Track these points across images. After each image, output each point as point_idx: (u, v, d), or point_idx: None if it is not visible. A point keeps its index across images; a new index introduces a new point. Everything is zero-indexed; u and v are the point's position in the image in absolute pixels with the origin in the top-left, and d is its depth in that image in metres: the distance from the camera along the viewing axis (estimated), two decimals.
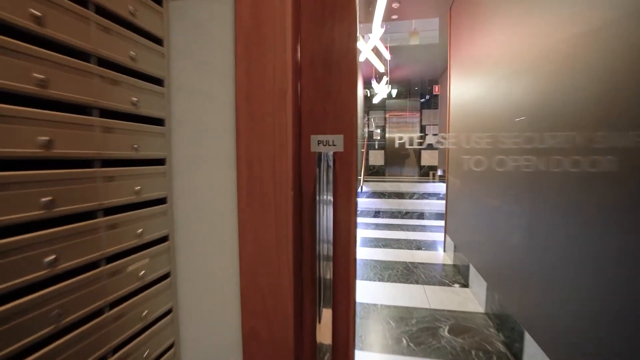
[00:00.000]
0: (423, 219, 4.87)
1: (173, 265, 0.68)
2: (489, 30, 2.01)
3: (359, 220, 4.78)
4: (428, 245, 3.47)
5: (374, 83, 4.76)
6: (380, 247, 3.40)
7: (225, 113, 0.66)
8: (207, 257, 0.68)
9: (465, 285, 2.41)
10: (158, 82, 0.64)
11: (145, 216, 0.60)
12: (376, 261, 2.95)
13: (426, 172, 7.71)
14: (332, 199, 0.65)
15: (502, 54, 1.79)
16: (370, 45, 3.12)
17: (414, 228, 4.30)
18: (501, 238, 1.78)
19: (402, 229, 4.25)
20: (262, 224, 0.65)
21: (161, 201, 0.65)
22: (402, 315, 1.95)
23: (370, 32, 3.05)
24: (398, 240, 3.69)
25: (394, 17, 3.37)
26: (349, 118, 0.65)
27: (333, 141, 0.65)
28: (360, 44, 2.97)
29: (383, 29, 3.10)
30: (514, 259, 1.60)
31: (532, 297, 1.41)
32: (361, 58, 3.41)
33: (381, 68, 3.55)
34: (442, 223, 4.51)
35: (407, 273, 2.65)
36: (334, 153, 0.66)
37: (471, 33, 2.41)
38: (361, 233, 4.03)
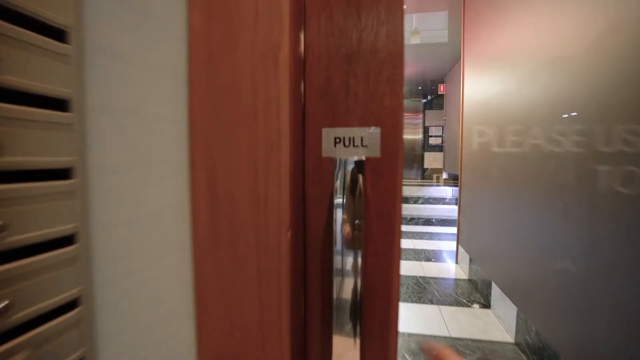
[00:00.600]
0: (430, 225, 4.58)
1: None
2: (522, 16, 1.74)
3: None
4: (438, 256, 3.19)
5: None
6: None
7: (173, 90, 0.38)
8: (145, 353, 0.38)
9: (486, 305, 2.12)
10: (57, 35, 0.34)
11: (22, 274, 0.30)
12: None
13: (429, 175, 7.43)
14: (362, 242, 0.37)
15: (541, 43, 1.51)
16: None
17: (420, 236, 4.01)
18: (536, 253, 1.50)
19: (408, 237, 3.96)
20: (236, 293, 0.37)
21: (63, 242, 0.35)
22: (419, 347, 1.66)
23: None
24: (405, 250, 3.41)
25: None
26: (394, 100, 0.37)
27: (363, 139, 0.37)
28: None
29: None
30: (556, 279, 1.32)
31: (582, 327, 1.13)
32: None
33: None
34: (449, 230, 4.24)
35: (419, 290, 2.36)
36: (366, 160, 0.37)
37: (493, 23, 2.14)
38: None
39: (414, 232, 4.18)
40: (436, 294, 2.31)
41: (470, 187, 2.67)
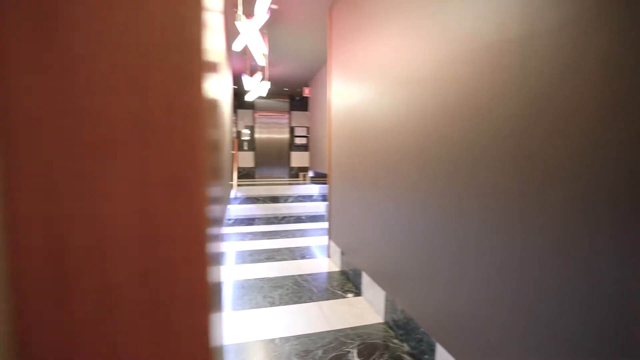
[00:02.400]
0: (300, 222, 4.77)
1: None
2: (382, 35, 1.96)
3: (233, 230, 4.29)
4: (311, 253, 3.34)
5: (245, 79, 4.33)
6: (263, 261, 3.05)
7: None
8: None
9: (358, 293, 2.33)
10: None
11: None
12: (262, 280, 2.58)
13: (296, 174, 7.77)
14: None
15: (399, 60, 1.73)
16: (254, 29, 2.71)
17: (293, 234, 4.12)
18: (398, 242, 1.73)
19: (282, 236, 4.00)
20: None
21: None
22: (307, 347, 1.67)
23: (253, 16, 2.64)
24: (280, 250, 3.42)
25: (274, 6, 3.10)
26: None
27: None
28: (242, 24, 2.53)
29: (267, 16, 2.75)
30: (414, 263, 1.56)
31: (437, 301, 1.37)
32: (239, 46, 2.96)
33: (262, 61, 3.18)
34: (319, 225, 4.52)
35: (298, 289, 2.39)
36: None
37: (358, 39, 2.35)
38: (238, 246, 3.56)
39: (286, 231, 4.26)
40: (314, 290, 2.39)
41: (339, 185, 2.89)
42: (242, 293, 2.33)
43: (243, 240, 3.82)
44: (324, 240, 3.78)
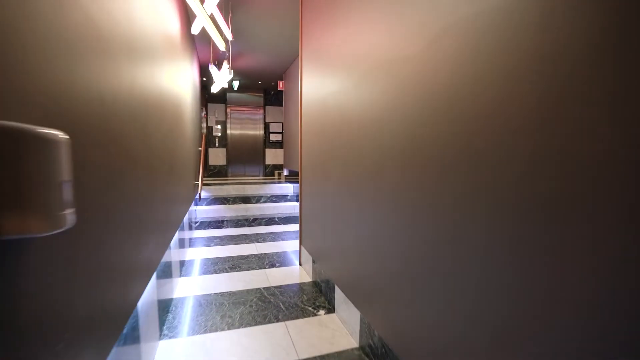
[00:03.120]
0: (273, 224, 4.46)
1: None
2: (357, 21, 1.68)
3: (199, 235, 3.92)
4: (282, 260, 3.05)
5: (212, 69, 3.96)
6: (227, 271, 2.73)
7: None
8: None
9: (331, 309, 2.07)
10: None
11: None
12: (223, 295, 2.27)
13: (271, 172, 7.43)
14: None
15: (378, 45, 1.47)
16: (208, 9, 2.36)
17: (264, 238, 3.81)
18: (366, 249, 1.48)
19: (251, 240, 3.69)
20: None
21: None
22: None
23: None
24: (247, 257, 3.11)
25: None
26: None
27: None
28: (194, 3, 2.18)
29: None
30: (392, 280, 1.31)
31: (421, 329, 1.13)
32: (197, 28, 2.60)
33: (221, 45, 2.84)
34: (293, 228, 4.24)
35: (263, 306, 2.10)
36: None
37: (329, 25, 2.07)
38: (202, 253, 3.22)
39: (257, 235, 3.94)
40: (282, 306, 2.11)
41: (310, 186, 2.61)
42: (198, 312, 2.01)
43: (208, 246, 3.48)
44: (297, 244, 3.50)
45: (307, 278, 2.60)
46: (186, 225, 3.20)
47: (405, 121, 1.24)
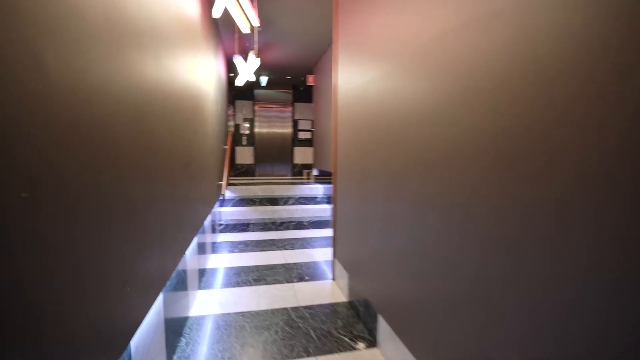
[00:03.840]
0: (302, 228, 4.14)
1: None
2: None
3: (223, 239, 3.68)
4: (313, 272, 2.71)
5: (237, 61, 3.69)
6: (250, 284, 2.43)
7: None
8: None
9: (372, 342, 1.69)
10: None
11: None
12: (245, 315, 1.96)
13: (299, 171, 7.14)
14: None
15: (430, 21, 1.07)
16: None
17: (292, 244, 3.49)
18: (420, 270, 1.10)
19: (279, 247, 3.38)
20: None
21: None
22: None
23: None
24: (274, 267, 2.80)
25: None
26: None
27: None
28: None
29: None
30: (453, 306, 0.92)
31: None
32: (218, 9, 2.30)
33: (245, 27, 2.54)
34: (323, 233, 3.89)
35: (290, 333, 1.77)
36: None
37: (363, 7, 1.69)
38: (225, 260, 2.95)
39: (284, 240, 3.63)
40: (312, 334, 1.76)
41: (347, 188, 2.25)
42: (215, 338, 1.71)
43: (232, 252, 3.21)
44: (328, 253, 3.15)
45: (342, 297, 2.24)
46: (208, 229, 2.95)
47: (472, 111, 0.84)
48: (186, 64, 1.84)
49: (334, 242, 2.55)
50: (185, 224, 1.80)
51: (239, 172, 6.87)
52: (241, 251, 3.24)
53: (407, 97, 1.33)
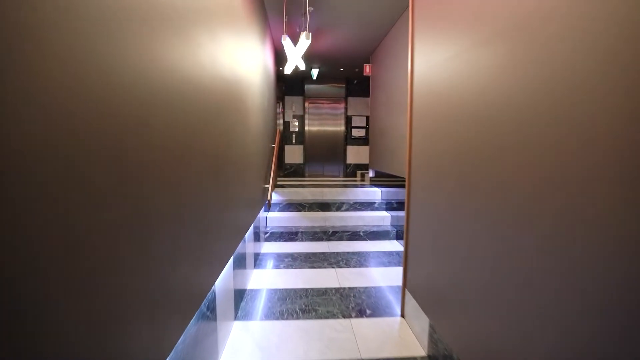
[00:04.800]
0: (357, 239, 3.57)
1: None
2: None
3: (268, 249, 3.25)
4: (375, 301, 2.13)
5: (285, 42, 3.24)
6: (297, 317, 1.93)
7: None
8: None
9: None
10: None
11: None
12: None
13: (353, 172, 6.57)
14: None
15: None
16: None
17: (346, 260, 2.94)
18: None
19: (331, 263, 2.86)
20: None
21: None
22: None
23: None
24: (326, 292, 2.27)
25: None
26: None
27: None
28: None
29: None
30: None
31: None
32: None
33: None
34: (382, 246, 3.28)
35: None
36: None
37: None
38: (269, 279, 2.50)
39: (337, 255, 3.10)
40: None
41: (426, 197, 1.64)
42: None
43: (278, 267, 2.76)
44: (393, 274, 2.54)
45: (418, 348, 1.64)
46: (251, 238, 2.53)
47: None
48: (222, 49, 1.39)
49: (405, 266, 1.95)
50: (220, 242, 1.35)
51: (287, 172, 6.51)
52: (287, 266, 2.77)
53: (521, 93, 0.71)
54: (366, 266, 2.80)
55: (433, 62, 1.56)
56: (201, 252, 1.17)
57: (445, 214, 1.43)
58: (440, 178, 1.48)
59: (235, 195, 1.77)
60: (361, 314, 1.98)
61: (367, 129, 6.48)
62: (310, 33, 3.16)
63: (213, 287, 1.38)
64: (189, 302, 1.04)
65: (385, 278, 2.53)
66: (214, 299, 1.40)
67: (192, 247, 1.07)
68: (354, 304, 2.10)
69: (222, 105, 1.44)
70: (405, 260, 1.96)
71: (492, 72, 1.08)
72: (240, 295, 2.06)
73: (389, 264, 2.86)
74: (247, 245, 2.38)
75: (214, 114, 1.30)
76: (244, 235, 2.15)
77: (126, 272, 0.66)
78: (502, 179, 1.02)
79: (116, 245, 0.63)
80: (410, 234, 1.90)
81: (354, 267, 2.79)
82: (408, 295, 1.89)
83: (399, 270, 2.70)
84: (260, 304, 2.09)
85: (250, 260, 2.48)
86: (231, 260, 1.75)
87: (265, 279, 2.49)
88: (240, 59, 1.88)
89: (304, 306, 2.06)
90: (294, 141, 6.48)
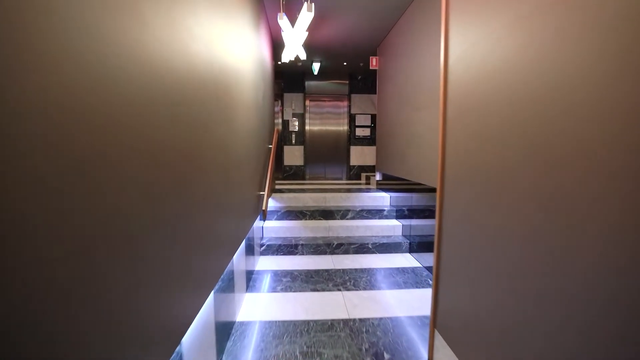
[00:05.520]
0: (364, 252, 3.16)
1: None
2: None
3: (263, 265, 2.83)
4: (394, 341, 1.72)
5: (282, 23, 2.83)
6: None
7: None
8: None
9: None
10: None
11: None
12: None
13: (357, 174, 6.15)
14: None
15: None
16: None
17: (355, 280, 2.53)
18: None
19: (337, 284, 2.44)
20: None
21: None
22: None
23: None
24: (333, 327, 1.86)
25: None
26: None
27: None
28: None
29: None
30: None
31: None
32: None
33: None
34: (394, 261, 2.85)
35: None
36: None
37: None
38: (263, 307, 2.09)
39: (344, 273, 2.68)
40: None
41: (467, 212, 1.23)
42: None
43: (274, 290, 2.34)
44: (411, 299, 2.12)
45: None
46: (242, 254, 2.12)
47: None
48: (194, 18, 0.97)
49: (435, 300, 1.54)
50: (190, 273, 0.93)
51: (287, 174, 6.10)
52: (286, 289, 2.35)
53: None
54: (378, 288, 2.39)
55: (482, 35, 1.15)
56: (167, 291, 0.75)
57: (505, 238, 1.01)
58: (497, 189, 1.06)
59: (215, 210, 1.36)
60: (376, 357, 1.57)
61: (372, 127, 6.07)
62: (313, 4, 2.72)
63: (202, 320, 0.96)
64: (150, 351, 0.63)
65: (403, 305, 2.11)
66: (189, 343, 0.99)
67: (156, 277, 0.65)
68: (368, 344, 1.68)
69: (190, 95, 1.03)
70: (435, 292, 1.55)
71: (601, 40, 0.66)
72: (225, 332, 1.64)
73: (405, 284, 2.45)
74: (238, 263, 1.98)
75: (168, 105, 0.88)
76: (232, 256, 1.74)
77: None
78: (592, 187, 0.61)
79: None
80: (442, 259, 1.49)
81: (364, 288, 2.37)
82: (438, 337, 1.48)
83: (418, 293, 2.29)
84: (251, 346, 1.67)
85: (241, 282, 2.07)
86: (212, 301, 1.34)
87: (259, 307, 2.08)
88: (224, 40, 1.46)
89: (305, 348, 1.65)
90: (293, 141, 6.07)
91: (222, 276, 1.52)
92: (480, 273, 1.16)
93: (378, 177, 4.47)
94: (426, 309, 2.05)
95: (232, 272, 1.81)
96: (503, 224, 1.02)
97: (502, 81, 1.03)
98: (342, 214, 3.66)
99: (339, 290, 2.34)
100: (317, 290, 2.33)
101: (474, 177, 1.20)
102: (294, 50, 3.25)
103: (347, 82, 6.05)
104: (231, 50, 1.64)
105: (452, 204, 1.40)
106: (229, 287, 1.73)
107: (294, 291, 2.32)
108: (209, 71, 1.24)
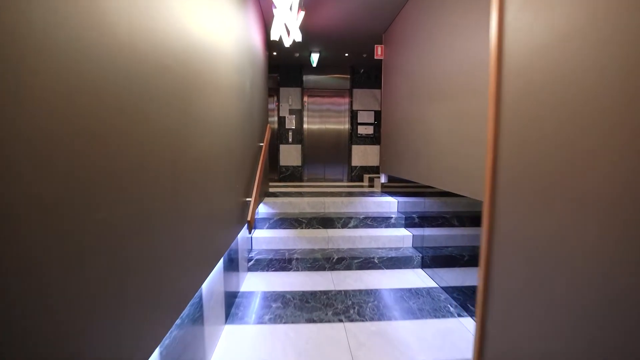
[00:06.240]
0: (369, 268, 2.71)
1: None
2: None
3: (250, 286, 2.38)
4: None
5: (277, 12, 2.40)
6: None
7: None
8: None
9: None
10: None
11: None
12: None
13: (359, 176, 5.71)
14: None
15: None
16: None
17: (359, 307, 2.08)
18: None
19: (337, 312, 2.00)
20: None
21: None
22: None
23: None
24: None
25: None
26: None
27: None
28: None
29: None
30: None
31: None
32: None
33: None
34: (406, 280, 2.38)
35: None
36: None
37: None
38: (246, 347, 1.64)
39: (345, 296, 2.23)
40: None
41: (545, 238, 0.78)
42: None
43: (261, 321, 1.90)
44: (432, 334, 1.67)
45: None
46: (221, 272, 1.68)
47: None
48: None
49: (480, 341, 1.10)
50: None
51: (283, 175, 5.65)
52: (275, 319, 1.91)
53: None
54: (389, 318, 1.94)
55: (544, 37, 0.71)
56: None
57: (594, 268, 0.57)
58: (581, 203, 0.62)
59: (160, 224, 0.91)
60: None
61: (376, 125, 5.62)
62: None
63: None
64: None
65: (423, 344, 1.67)
66: None
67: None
68: None
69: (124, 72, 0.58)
70: (480, 329, 1.10)
71: None
72: None
73: (420, 312, 2.00)
74: (212, 286, 1.53)
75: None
76: (201, 282, 1.29)
77: None
78: None
79: None
80: (493, 284, 1.04)
81: (371, 319, 1.92)
82: None
83: (440, 326, 1.84)
84: None
85: (215, 311, 1.63)
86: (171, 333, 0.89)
87: (239, 346, 1.63)
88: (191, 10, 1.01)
89: None
90: (290, 140, 5.62)
91: (182, 312, 1.08)
92: (556, 304, 0.71)
93: (383, 179, 4.02)
94: (453, 350, 1.60)
95: (200, 307, 1.37)
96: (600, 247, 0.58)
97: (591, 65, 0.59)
98: (343, 221, 3.21)
99: (341, 321, 1.90)
100: (314, 321, 1.89)
101: (547, 184, 0.76)
102: (285, 27, 2.81)
103: (349, 76, 5.60)
104: (194, 10, 1.19)
105: (507, 209, 0.95)
106: (195, 321, 1.29)
107: (284, 322, 1.88)
108: (145, 27, 0.80)
